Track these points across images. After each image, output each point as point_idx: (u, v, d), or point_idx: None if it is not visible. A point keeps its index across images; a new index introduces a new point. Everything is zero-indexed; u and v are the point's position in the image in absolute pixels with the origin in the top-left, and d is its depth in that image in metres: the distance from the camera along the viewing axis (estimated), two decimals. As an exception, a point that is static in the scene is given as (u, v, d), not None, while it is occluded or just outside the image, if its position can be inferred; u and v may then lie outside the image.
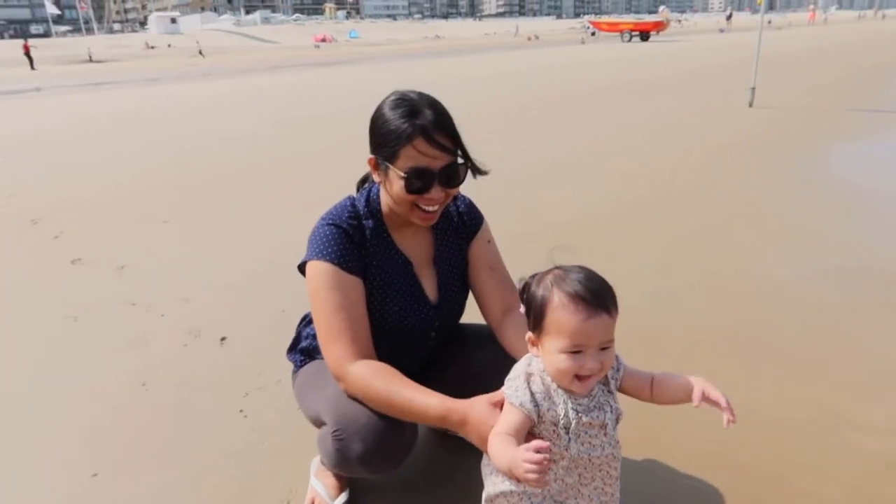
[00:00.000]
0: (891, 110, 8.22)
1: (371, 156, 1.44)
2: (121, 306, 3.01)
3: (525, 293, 1.20)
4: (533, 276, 1.21)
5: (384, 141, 1.38)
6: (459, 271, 1.63)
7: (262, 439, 2.01)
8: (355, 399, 1.40)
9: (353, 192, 1.61)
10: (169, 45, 44.93)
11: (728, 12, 49.45)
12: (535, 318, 1.15)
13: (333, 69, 20.51)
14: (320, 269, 1.44)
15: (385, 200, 1.50)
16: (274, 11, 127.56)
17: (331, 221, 1.47)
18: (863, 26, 45.95)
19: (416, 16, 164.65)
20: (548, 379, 1.17)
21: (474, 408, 1.24)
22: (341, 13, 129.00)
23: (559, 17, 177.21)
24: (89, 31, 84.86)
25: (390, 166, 1.38)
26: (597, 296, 1.11)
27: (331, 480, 1.71)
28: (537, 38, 46.69)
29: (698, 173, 5.33)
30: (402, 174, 1.36)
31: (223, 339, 2.66)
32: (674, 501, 1.70)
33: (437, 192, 1.39)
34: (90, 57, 32.19)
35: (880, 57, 17.06)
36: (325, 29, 68.63)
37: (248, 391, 2.27)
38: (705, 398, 1.20)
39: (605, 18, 58.34)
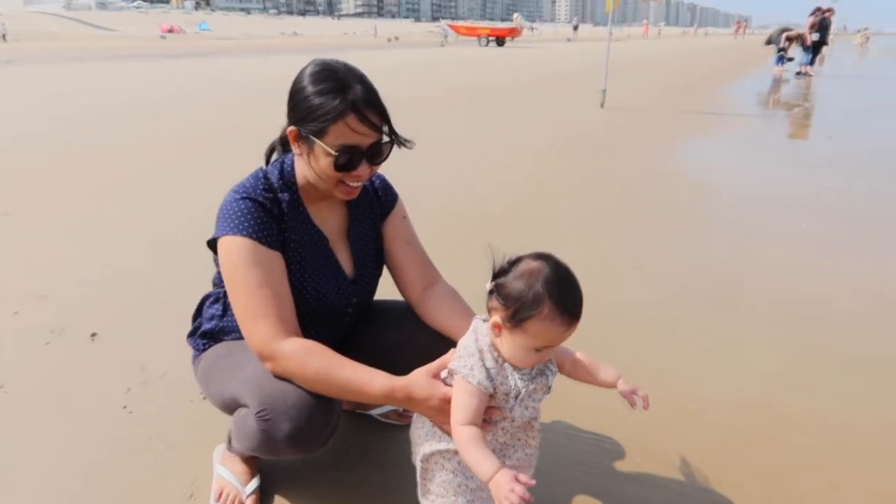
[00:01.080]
0: (717, 112, 9.26)
1: (292, 128, 1.37)
2: (-38, 305, 2.64)
3: (504, 281, 1.16)
4: (513, 263, 1.18)
5: (310, 115, 1.32)
6: (374, 246, 1.62)
7: (153, 434, 1.87)
8: (281, 378, 1.34)
9: (258, 165, 1.53)
10: (-16, 28, 39.72)
11: (574, 23, 52.90)
12: (517, 316, 1.13)
13: (184, 61, 19.26)
14: (237, 245, 1.36)
15: (303, 173, 1.45)
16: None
17: (245, 195, 1.40)
18: (688, 41, 51.19)
19: (272, 11, 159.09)
20: (495, 353, 1.19)
21: (417, 382, 1.25)
22: (189, 3, 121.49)
23: (417, 19, 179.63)
24: None
25: (317, 141, 1.33)
26: (579, 309, 1.15)
27: (240, 467, 1.64)
28: (397, 38, 46.98)
29: (559, 163, 5.69)
30: (332, 151, 1.32)
31: (93, 334, 2.42)
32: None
33: (363, 169, 1.37)
34: None
35: (707, 68, 19.13)
36: (172, 19, 64.31)
37: (130, 387, 2.10)
38: (631, 391, 1.29)
39: (462, 23, 60.10)
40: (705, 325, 2.62)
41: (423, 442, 1.32)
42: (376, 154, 1.39)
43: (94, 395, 2.05)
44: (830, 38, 17.75)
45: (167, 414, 1.96)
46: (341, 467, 1.75)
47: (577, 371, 1.35)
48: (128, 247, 3.39)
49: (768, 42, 18.27)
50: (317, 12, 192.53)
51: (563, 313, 1.11)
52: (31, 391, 2.06)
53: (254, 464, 1.66)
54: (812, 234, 3.84)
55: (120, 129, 6.96)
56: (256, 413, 1.33)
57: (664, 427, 1.93)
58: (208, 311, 1.65)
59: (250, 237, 1.36)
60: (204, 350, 1.64)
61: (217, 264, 1.49)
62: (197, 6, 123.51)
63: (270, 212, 1.41)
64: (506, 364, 1.19)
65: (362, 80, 1.35)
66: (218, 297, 1.62)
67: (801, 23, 16.20)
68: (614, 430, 1.91)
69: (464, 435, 1.15)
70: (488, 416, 1.21)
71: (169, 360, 2.24)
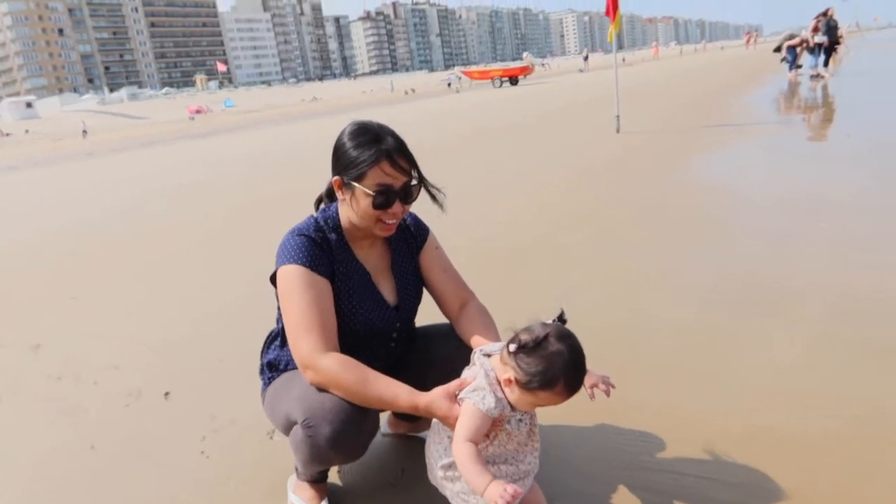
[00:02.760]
0: (734, 123, 9.37)
1: (336, 177, 1.64)
2: (47, 381, 2.93)
3: (527, 354, 1.34)
4: (537, 341, 1.34)
5: (351, 164, 1.59)
6: (414, 276, 1.84)
7: (230, 473, 2.08)
8: (322, 390, 1.56)
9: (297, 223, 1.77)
10: (27, 131, 42.31)
11: (584, 53, 53.72)
12: (531, 384, 1.33)
13: (212, 139, 20.21)
14: (293, 272, 1.62)
15: (346, 215, 1.70)
16: (141, 87, 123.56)
17: (299, 233, 1.66)
18: (700, 56, 51.40)
19: (291, 80, 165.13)
20: (501, 391, 1.41)
21: (436, 402, 1.46)
22: (213, 83, 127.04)
23: (431, 70, 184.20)
24: (-68, 123, 78.08)
25: (357, 185, 1.58)
26: (579, 388, 1.40)
27: (308, 492, 1.81)
28: (413, 91, 48.43)
29: (580, 189, 5.87)
30: (370, 192, 1.58)
31: (167, 393, 2.67)
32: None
33: (397, 207, 1.62)
34: None
35: (720, 82, 19.24)
36: (199, 100, 67.31)
37: (204, 435, 2.32)
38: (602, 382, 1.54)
39: (475, 68, 61.52)
40: (739, 328, 2.73)
41: (440, 458, 1.51)
42: (407, 194, 1.64)
43: (174, 444, 2.28)
44: (846, 32, 17.69)
45: (240, 454, 2.17)
46: (402, 488, 1.92)
47: None
48: (184, 315, 3.67)
49: (777, 50, 18.40)
50: (333, 75, 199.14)
51: (570, 391, 1.36)
52: (118, 448, 2.30)
53: (322, 489, 1.83)
54: (835, 232, 3.92)
55: (162, 210, 7.43)
56: (302, 422, 1.54)
57: (696, 420, 2.06)
58: (272, 345, 1.89)
59: (304, 265, 1.61)
60: (269, 384, 1.86)
61: (277, 298, 1.71)
62: (220, 85, 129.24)
63: (321, 246, 1.66)
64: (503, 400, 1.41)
65: (392, 133, 1.64)
66: (279, 333, 1.83)
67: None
68: (650, 425, 2.05)
69: (464, 451, 1.35)
70: (489, 431, 1.43)
71: (235, 408, 2.47)
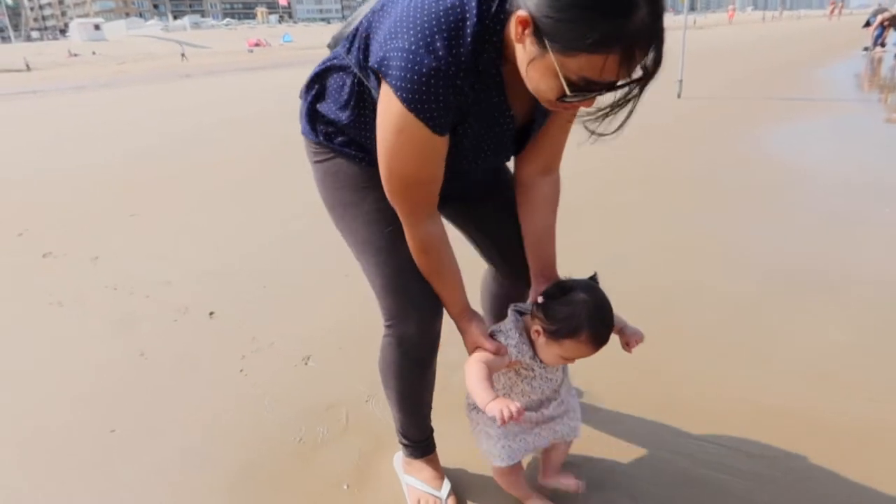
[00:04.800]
0: (805, 98, 8.95)
1: (524, 13, 1.00)
2: (104, 291, 3.12)
3: (555, 304, 1.35)
4: (563, 290, 1.36)
5: (566, 30, 0.97)
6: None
7: (265, 392, 2.20)
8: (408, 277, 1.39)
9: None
10: (94, 53, 43.27)
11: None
12: (559, 332, 1.34)
13: (270, 72, 20.35)
14: (412, 126, 1.13)
15: (512, 53, 1.11)
16: (203, 16, 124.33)
17: (435, 65, 1.06)
18: (777, 25, 48.71)
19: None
20: (528, 344, 1.42)
21: (473, 327, 1.40)
22: (273, 17, 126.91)
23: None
24: (5, 39, 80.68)
25: (554, 57, 1.00)
26: (607, 338, 1.37)
27: (427, 472, 1.67)
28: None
29: (635, 153, 5.75)
30: (564, 80, 1.02)
31: (211, 313, 2.82)
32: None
33: (586, 103, 1.09)
34: (27, 66, 30.71)
35: (796, 52, 18.27)
36: (258, 33, 67.39)
37: (244, 354, 2.46)
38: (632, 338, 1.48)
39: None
40: (787, 307, 2.70)
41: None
42: (609, 90, 1.05)
43: (216, 361, 2.43)
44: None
45: (276, 376, 2.30)
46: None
47: None
48: (235, 242, 3.82)
49: (866, 25, 17.30)
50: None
51: (596, 341, 1.34)
52: (166, 359, 2.46)
53: (438, 467, 1.70)
54: (884, 217, 3.78)
55: (217, 141, 7.59)
56: (386, 325, 1.46)
57: (731, 393, 2.08)
58: (336, 95, 1.35)
59: (426, 124, 1.12)
60: (322, 157, 1.45)
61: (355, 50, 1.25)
62: (280, 19, 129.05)
63: (460, 90, 1.11)
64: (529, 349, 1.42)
65: (653, 2, 0.95)
66: (352, 89, 1.30)
67: None
68: (684, 394, 2.08)
69: (474, 368, 1.34)
70: (512, 381, 1.45)
71: (275, 332, 2.60)
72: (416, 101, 1.09)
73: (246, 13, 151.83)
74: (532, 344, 1.42)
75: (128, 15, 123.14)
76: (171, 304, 2.93)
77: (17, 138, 8.68)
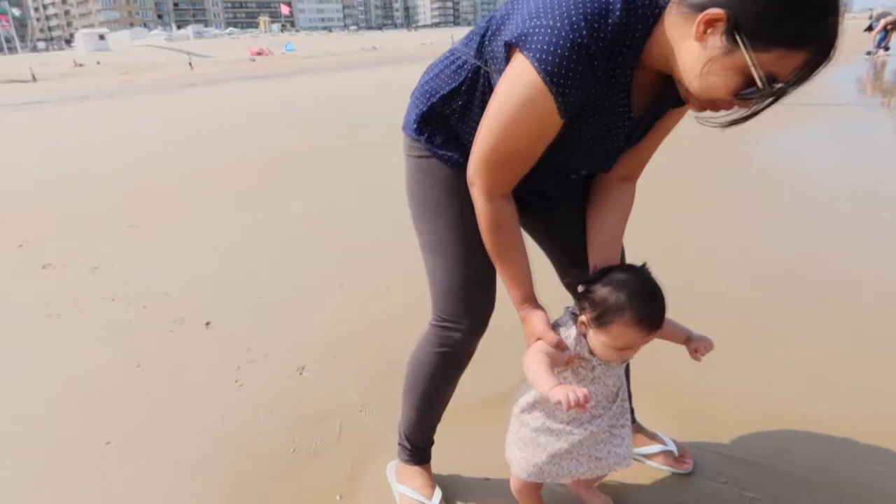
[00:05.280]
0: (806, 103, 8.94)
1: (720, 11, 1.01)
2: (102, 302, 3.13)
3: (593, 287, 1.29)
4: (604, 272, 1.32)
5: (769, 27, 0.99)
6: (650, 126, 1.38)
7: (259, 402, 2.21)
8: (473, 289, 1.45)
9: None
10: (98, 63, 43.56)
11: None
12: (601, 318, 1.26)
13: (271, 82, 20.44)
14: (542, 100, 1.13)
15: (669, 48, 1.11)
16: (206, 26, 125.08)
17: (578, 40, 1.08)
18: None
19: (352, 27, 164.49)
20: (584, 341, 1.34)
21: (536, 318, 1.35)
22: (276, 26, 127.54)
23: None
24: (12, 50, 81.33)
25: (746, 53, 1.01)
26: (658, 318, 1.28)
27: (418, 480, 1.69)
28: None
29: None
30: (760, 76, 1.02)
31: (207, 323, 2.83)
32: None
33: (749, 103, 1.09)
34: (33, 76, 30.92)
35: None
36: (261, 42, 67.75)
37: (239, 365, 2.46)
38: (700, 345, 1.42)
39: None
40: (788, 312, 2.68)
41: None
42: (777, 98, 1.07)
43: (211, 371, 2.43)
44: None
45: (270, 386, 2.31)
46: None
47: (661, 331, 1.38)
48: (232, 252, 3.83)
49: (868, 29, 17.31)
50: (394, 25, 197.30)
51: (642, 321, 1.24)
52: (162, 369, 2.47)
53: (431, 476, 1.71)
54: (886, 223, 3.77)
55: (217, 150, 7.63)
56: (436, 323, 1.49)
57: (730, 398, 2.08)
58: (449, 84, 1.35)
59: (556, 99, 1.13)
60: (420, 144, 1.43)
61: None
62: (283, 28, 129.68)
63: (595, 72, 1.12)
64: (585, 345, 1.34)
65: (837, 12, 1.00)
66: (468, 92, 1.33)
67: None
68: (682, 399, 2.08)
69: (537, 358, 1.27)
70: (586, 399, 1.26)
71: (270, 342, 2.61)
72: (554, 73, 1.10)
73: (248, 22, 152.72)
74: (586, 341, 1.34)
75: (132, 25, 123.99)
76: (168, 314, 2.94)
77: (20, 149, 8.74)
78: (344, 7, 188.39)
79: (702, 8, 1.03)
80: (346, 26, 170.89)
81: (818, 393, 2.09)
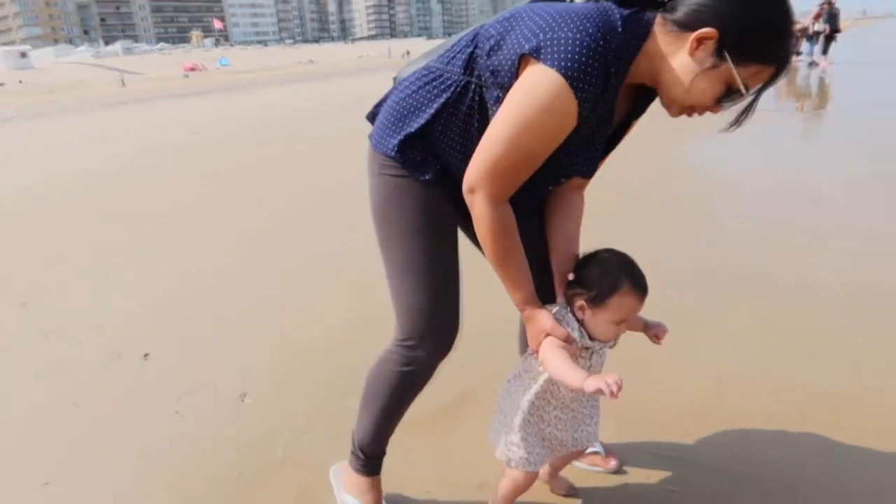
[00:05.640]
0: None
1: (712, 30, 1.17)
2: (34, 338, 3.05)
3: (585, 270, 1.42)
4: (588, 258, 1.44)
5: (757, 44, 1.19)
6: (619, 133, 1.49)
7: (202, 434, 2.22)
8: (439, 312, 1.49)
9: None
10: (21, 82, 41.68)
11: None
12: (601, 294, 1.38)
13: (205, 98, 20.05)
14: (563, 103, 1.21)
15: (659, 63, 1.25)
16: (136, 41, 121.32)
17: (595, 45, 1.18)
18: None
19: (288, 41, 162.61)
20: (581, 329, 1.43)
21: (542, 316, 1.42)
22: (209, 41, 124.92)
23: (429, 37, 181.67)
24: (-79, 69, 76.74)
25: (733, 67, 1.19)
26: (645, 285, 1.42)
27: (371, 496, 1.72)
28: (409, 53, 48.39)
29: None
30: (743, 86, 1.22)
31: (146, 355, 2.80)
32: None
33: (718, 109, 1.29)
34: None
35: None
36: (194, 57, 66.30)
37: (179, 396, 2.46)
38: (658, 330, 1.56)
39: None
40: (705, 314, 2.86)
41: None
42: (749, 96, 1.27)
43: (151, 404, 2.42)
44: (845, 24, 17.73)
45: (213, 415, 2.31)
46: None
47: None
48: (167, 278, 3.79)
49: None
50: (331, 38, 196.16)
51: (637, 288, 1.39)
52: (100, 405, 2.44)
53: (380, 490, 1.74)
54: (809, 223, 4.06)
55: (149, 170, 7.47)
56: (401, 341, 1.52)
57: (655, 399, 2.21)
58: (429, 102, 1.38)
59: (578, 101, 1.20)
60: (393, 161, 1.43)
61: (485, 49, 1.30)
62: (216, 43, 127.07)
63: (608, 80, 1.23)
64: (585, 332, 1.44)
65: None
66: (453, 109, 1.37)
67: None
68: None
69: (557, 353, 1.36)
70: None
71: (210, 370, 2.62)
72: (577, 78, 1.18)
73: (180, 37, 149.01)
74: (583, 328, 1.43)
75: (56, 41, 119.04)
76: (104, 348, 2.90)
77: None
78: (279, 21, 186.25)
79: (691, 27, 1.20)
80: (281, 40, 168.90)
81: (729, 388, 2.26)
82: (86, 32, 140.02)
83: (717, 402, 2.20)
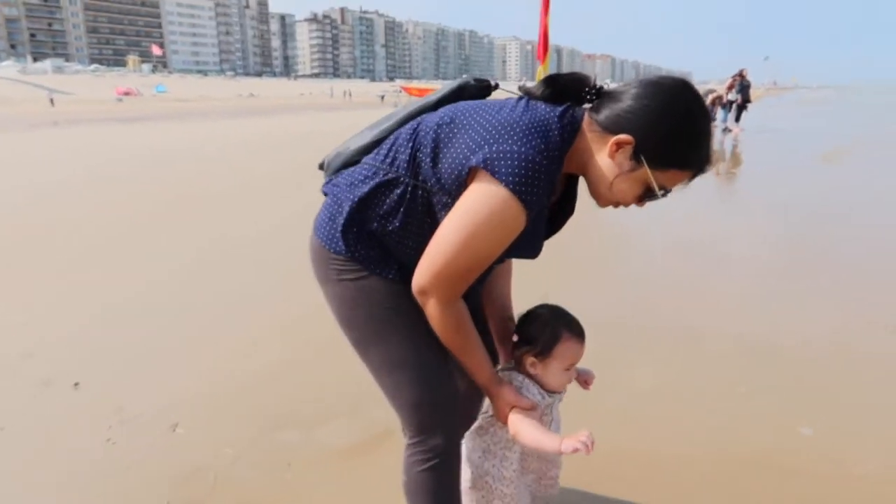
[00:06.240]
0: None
1: (629, 137, 1.27)
2: (-43, 365, 3.02)
3: (527, 328, 1.56)
4: (527, 316, 1.59)
5: (672, 155, 1.29)
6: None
7: (133, 462, 2.29)
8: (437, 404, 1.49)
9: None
10: (-65, 95, 39.46)
11: (522, 81, 55.33)
12: (547, 346, 1.52)
13: (138, 125, 19.67)
14: (511, 214, 1.27)
15: (588, 158, 1.34)
16: (68, 60, 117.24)
17: (539, 159, 1.26)
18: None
19: (229, 72, 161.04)
20: (535, 385, 1.56)
21: (507, 391, 1.50)
22: (146, 66, 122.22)
23: (373, 79, 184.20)
24: None
25: (651, 172, 1.29)
26: (582, 329, 1.57)
27: None
28: (350, 94, 49.17)
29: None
30: (657, 189, 1.32)
31: (76, 384, 2.84)
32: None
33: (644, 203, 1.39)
34: None
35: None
36: (129, 81, 64.68)
37: (111, 424, 2.52)
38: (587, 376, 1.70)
39: (415, 84, 62.38)
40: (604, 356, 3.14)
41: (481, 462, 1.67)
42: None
43: (81, 434, 2.47)
44: (759, 93, 19.36)
45: (144, 444, 2.39)
46: None
47: None
48: (97, 306, 3.80)
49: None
50: (273, 73, 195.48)
51: (575, 332, 1.54)
52: (27, 432, 2.47)
53: None
54: (707, 276, 4.48)
55: (81, 196, 7.35)
56: (411, 442, 1.51)
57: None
58: (384, 205, 1.40)
59: (528, 214, 1.28)
60: (352, 263, 1.44)
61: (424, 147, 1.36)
62: (154, 69, 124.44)
63: (552, 187, 1.31)
64: (535, 387, 1.56)
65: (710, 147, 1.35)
66: (402, 198, 1.39)
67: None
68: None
69: (527, 423, 1.46)
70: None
71: (142, 400, 2.69)
72: (525, 192, 1.25)
73: (116, 60, 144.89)
74: (538, 382, 1.55)
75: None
76: (32, 376, 2.91)
77: None
78: (221, 51, 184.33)
79: (612, 130, 1.29)
80: (222, 71, 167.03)
81: (628, 429, 2.52)
82: (13, 47, 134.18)
83: (627, 443, 2.45)
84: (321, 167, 1.58)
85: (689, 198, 7.64)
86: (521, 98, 1.40)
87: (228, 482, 2.17)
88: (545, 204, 1.35)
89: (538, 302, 1.63)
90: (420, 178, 1.37)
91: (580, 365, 1.63)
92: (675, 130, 1.27)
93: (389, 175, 1.38)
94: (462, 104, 1.42)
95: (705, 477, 2.22)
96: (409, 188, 1.38)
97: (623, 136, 1.28)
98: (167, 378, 2.91)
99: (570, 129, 1.33)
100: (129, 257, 4.92)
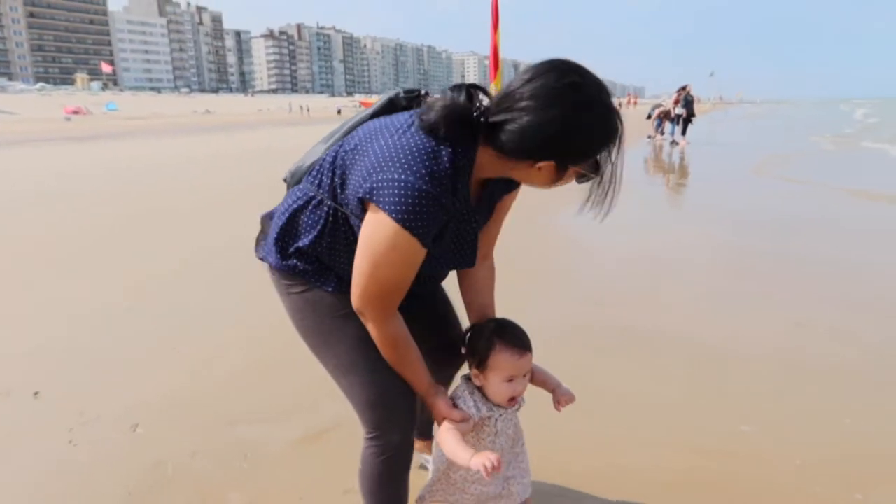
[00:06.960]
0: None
1: (551, 162, 1.33)
2: (-88, 379, 3.06)
3: (470, 340, 1.61)
4: (472, 328, 1.66)
5: (583, 148, 1.33)
6: (488, 215, 1.63)
7: (95, 463, 2.39)
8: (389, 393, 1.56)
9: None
10: None
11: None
12: (481, 359, 1.55)
13: (88, 144, 19.33)
14: (404, 242, 1.32)
15: (503, 170, 1.39)
16: (10, 79, 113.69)
17: (424, 189, 1.29)
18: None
19: (183, 89, 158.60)
20: (480, 398, 1.60)
21: (441, 401, 1.58)
22: (96, 84, 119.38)
23: (332, 94, 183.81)
24: None
25: (572, 167, 1.36)
26: (523, 341, 1.57)
27: None
28: (308, 109, 49.10)
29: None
30: (583, 171, 1.38)
31: (36, 393, 2.92)
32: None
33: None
34: None
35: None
36: (77, 100, 63.15)
37: (71, 427, 2.62)
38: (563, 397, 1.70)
39: (375, 98, 62.68)
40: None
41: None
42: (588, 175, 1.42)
43: (42, 436, 2.57)
44: (706, 108, 20.18)
45: (104, 443, 2.51)
46: None
47: (532, 378, 1.69)
48: (56, 318, 3.86)
49: (648, 117, 20.58)
50: (230, 89, 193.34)
51: (509, 346, 1.53)
52: (-12, 439, 2.56)
53: None
54: (659, 282, 4.77)
55: (32, 215, 7.28)
56: (368, 436, 1.60)
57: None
58: (311, 225, 1.50)
59: (420, 240, 1.33)
60: (295, 278, 1.56)
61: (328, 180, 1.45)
62: (104, 87, 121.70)
63: (445, 208, 1.35)
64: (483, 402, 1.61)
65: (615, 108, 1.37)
66: (326, 219, 1.48)
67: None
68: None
69: (449, 435, 1.51)
70: (475, 439, 1.60)
71: (103, 405, 2.79)
72: (410, 220, 1.29)
73: (63, 79, 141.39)
74: (484, 395, 1.59)
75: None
76: (-9, 386, 2.98)
77: None
78: (174, 68, 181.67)
79: (525, 158, 1.32)
80: (176, 88, 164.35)
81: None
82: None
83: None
84: (285, 180, 1.66)
85: (643, 207, 8.00)
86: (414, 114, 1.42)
87: (187, 472, 2.31)
88: (462, 209, 1.41)
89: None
90: (338, 200, 1.45)
91: (566, 384, 1.71)
92: (586, 131, 1.30)
93: (317, 196, 1.48)
94: (370, 125, 1.48)
95: (655, 476, 2.44)
96: (332, 210, 1.46)
97: (544, 164, 1.33)
98: (128, 384, 3.01)
99: (467, 155, 1.35)
100: (91, 270, 4.96)
